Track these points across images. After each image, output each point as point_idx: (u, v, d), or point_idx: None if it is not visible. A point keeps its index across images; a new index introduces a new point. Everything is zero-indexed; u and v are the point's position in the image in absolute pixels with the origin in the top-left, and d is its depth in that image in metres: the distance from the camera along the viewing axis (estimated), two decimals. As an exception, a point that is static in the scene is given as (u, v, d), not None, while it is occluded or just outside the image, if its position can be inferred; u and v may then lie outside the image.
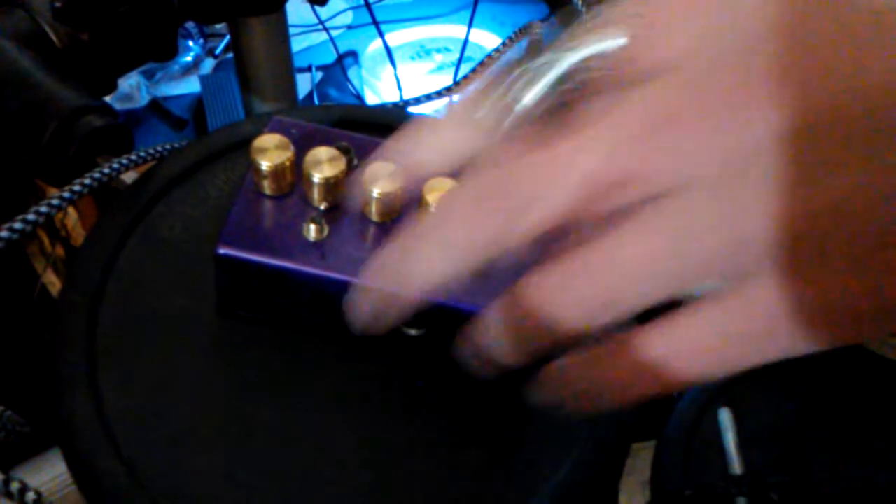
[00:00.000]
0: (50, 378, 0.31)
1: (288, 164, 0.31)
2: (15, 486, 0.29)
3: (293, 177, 0.32)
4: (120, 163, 0.38)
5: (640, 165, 0.19)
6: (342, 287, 0.30)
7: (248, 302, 0.32)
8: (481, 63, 0.57)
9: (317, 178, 0.31)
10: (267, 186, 0.32)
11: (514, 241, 0.21)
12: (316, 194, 0.31)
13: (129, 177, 0.40)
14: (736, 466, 0.46)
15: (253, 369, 0.32)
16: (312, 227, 0.31)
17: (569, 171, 0.20)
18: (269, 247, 0.30)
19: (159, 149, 0.40)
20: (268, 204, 0.32)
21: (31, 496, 0.29)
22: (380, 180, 0.30)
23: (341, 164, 0.31)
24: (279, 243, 0.30)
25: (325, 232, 0.31)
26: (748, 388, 0.50)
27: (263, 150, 0.31)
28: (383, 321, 0.25)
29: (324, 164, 0.31)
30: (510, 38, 0.56)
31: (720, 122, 0.19)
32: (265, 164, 0.31)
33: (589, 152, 0.20)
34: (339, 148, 0.32)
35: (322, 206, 0.31)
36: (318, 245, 0.31)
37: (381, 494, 0.29)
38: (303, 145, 0.32)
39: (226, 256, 0.30)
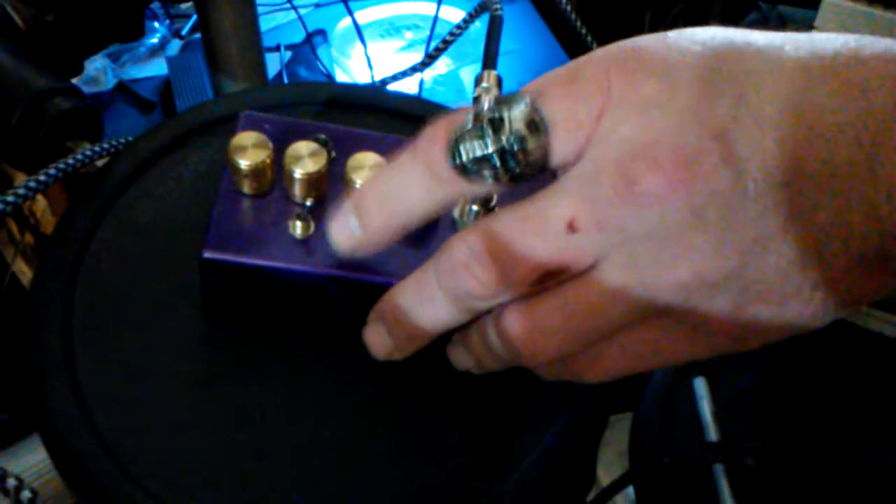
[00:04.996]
0: (27, 365, 0.31)
1: (268, 161, 0.31)
2: (-5, 473, 0.29)
3: (273, 174, 0.31)
4: (84, 153, 0.38)
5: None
6: (333, 283, 0.30)
7: (235, 305, 0.32)
8: (444, 40, 0.56)
9: (299, 174, 0.30)
10: (247, 186, 0.31)
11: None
12: (299, 190, 0.31)
13: (100, 163, 0.40)
14: (712, 434, 0.46)
15: (231, 351, 0.32)
16: (299, 224, 0.30)
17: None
18: (256, 247, 0.30)
19: (130, 139, 0.39)
20: (249, 203, 0.31)
21: (11, 482, 0.29)
22: (302, 159, 0.30)
23: (322, 159, 0.31)
24: (266, 243, 0.30)
25: (312, 228, 0.30)
26: (722, 357, 0.51)
27: (241, 149, 0.30)
28: (400, 354, 0.29)
29: (305, 159, 0.30)
30: (471, 14, 0.55)
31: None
32: (244, 164, 0.30)
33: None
34: (317, 141, 0.31)
35: (308, 203, 0.31)
36: (305, 242, 0.30)
37: (363, 474, 0.29)
38: (279, 141, 0.31)
39: (212, 261, 0.30)
